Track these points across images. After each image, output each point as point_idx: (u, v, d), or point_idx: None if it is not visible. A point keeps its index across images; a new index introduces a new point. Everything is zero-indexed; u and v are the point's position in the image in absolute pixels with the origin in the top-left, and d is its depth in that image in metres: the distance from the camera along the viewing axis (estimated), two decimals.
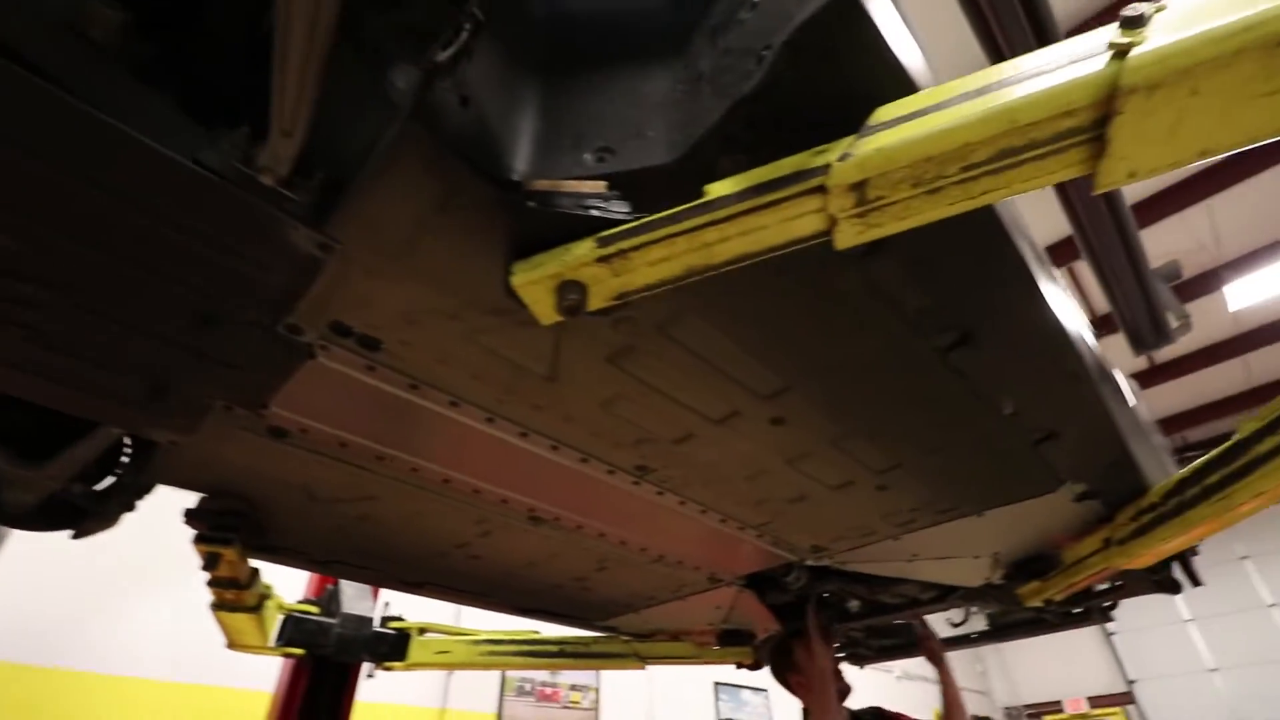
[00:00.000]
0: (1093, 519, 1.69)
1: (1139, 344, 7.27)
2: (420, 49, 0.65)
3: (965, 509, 1.59)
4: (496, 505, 1.52)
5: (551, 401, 1.14)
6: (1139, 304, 7.00)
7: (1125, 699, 11.03)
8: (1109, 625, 11.51)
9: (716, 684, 6.60)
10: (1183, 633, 10.81)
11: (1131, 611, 11.21)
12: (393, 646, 2.61)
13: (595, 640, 2.63)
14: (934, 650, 2.17)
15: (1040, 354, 1.09)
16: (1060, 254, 7.33)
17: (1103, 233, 6.33)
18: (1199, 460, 1.40)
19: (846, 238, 0.64)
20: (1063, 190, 5.69)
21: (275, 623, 2.33)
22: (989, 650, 12.76)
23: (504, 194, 0.73)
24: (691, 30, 0.81)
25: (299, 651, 2.40)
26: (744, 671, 2.89)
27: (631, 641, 2.59)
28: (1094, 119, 0.55)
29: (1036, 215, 6.61)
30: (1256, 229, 7.40)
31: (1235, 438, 1.32)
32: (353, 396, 1.13)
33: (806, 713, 2.18)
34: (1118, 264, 6.69)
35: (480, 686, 4.64)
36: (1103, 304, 7.51)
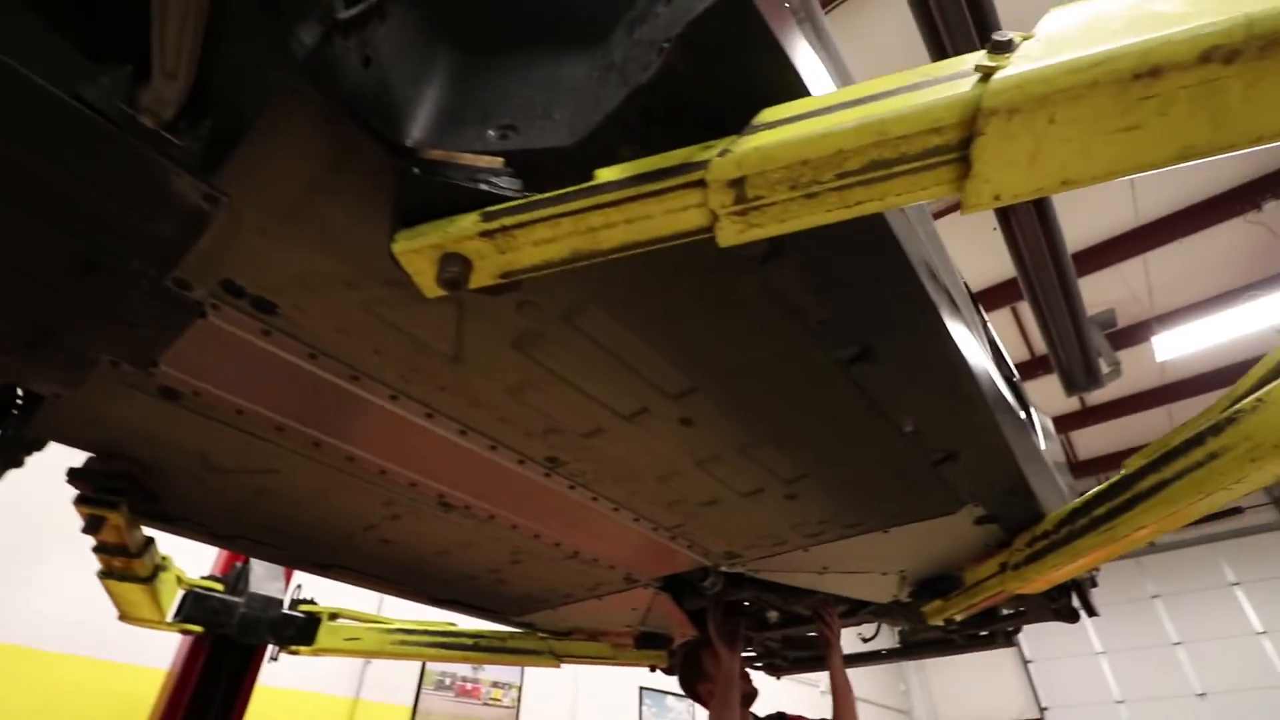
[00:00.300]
0: (993, 543, 1.75)
1: (1071, 385, 7.59)
2: (327, 4, 0.64)
3: (871, 524, 1.63)
4: (405, 488, 1.49)
5: (457, 383, 1.12)
6: (1074, 347, 7.32)
7: None
8: (1026, 653, 11.98)
9: (641, 689, 6.60)
10: (1094, 664, 11.31)
11: (1047, 641, 11.73)
12: (300, 630, 2.53)
13: (512, 636, 2.59)
14: (830, 636, 2.21)
15: (937, 376, 1.12)
16: (1004, 294, 7.62)
17: (1044, 276, 6.57)
18: (1090, 493, 1.47)
19: (728, 235, 0.65)
20: (1010, 232, 5.88)
21: (174, 597, 2.24)
22: (912, 671, 13.10)
23: (395, 159, 0.71)
24: (616, 21, 0.81)
25: (197, 629, 2.31)
26: (670, 678, 2.90)
27: (548, 639, 2.57)
28: (959, 139, 0.56)
29: (985, 254, 6.82)
30: (1187, 286, 7.82)
31: (1121, 474, 1.39)
32: (249, 362, 1.09)
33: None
34: (1056, 308, 6.98)
35: (397, 679, 4.53)
36: (1042, 345, 7.84)
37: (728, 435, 1.27)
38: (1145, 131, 0.55)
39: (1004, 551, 1.70)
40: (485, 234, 0.67)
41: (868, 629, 2.64)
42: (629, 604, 2.28)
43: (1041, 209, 5.48)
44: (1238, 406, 1.14)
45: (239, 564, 2.54)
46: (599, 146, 0.71)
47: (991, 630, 2.65)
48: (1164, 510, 1.27)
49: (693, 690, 2.24)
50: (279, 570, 2.62)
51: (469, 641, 2.56)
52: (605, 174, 0.65)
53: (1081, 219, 6.90)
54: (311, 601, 2.64)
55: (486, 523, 1.66)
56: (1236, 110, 0.53)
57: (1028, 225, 5.54)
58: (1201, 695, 10.19)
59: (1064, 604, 2.26)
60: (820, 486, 1.46)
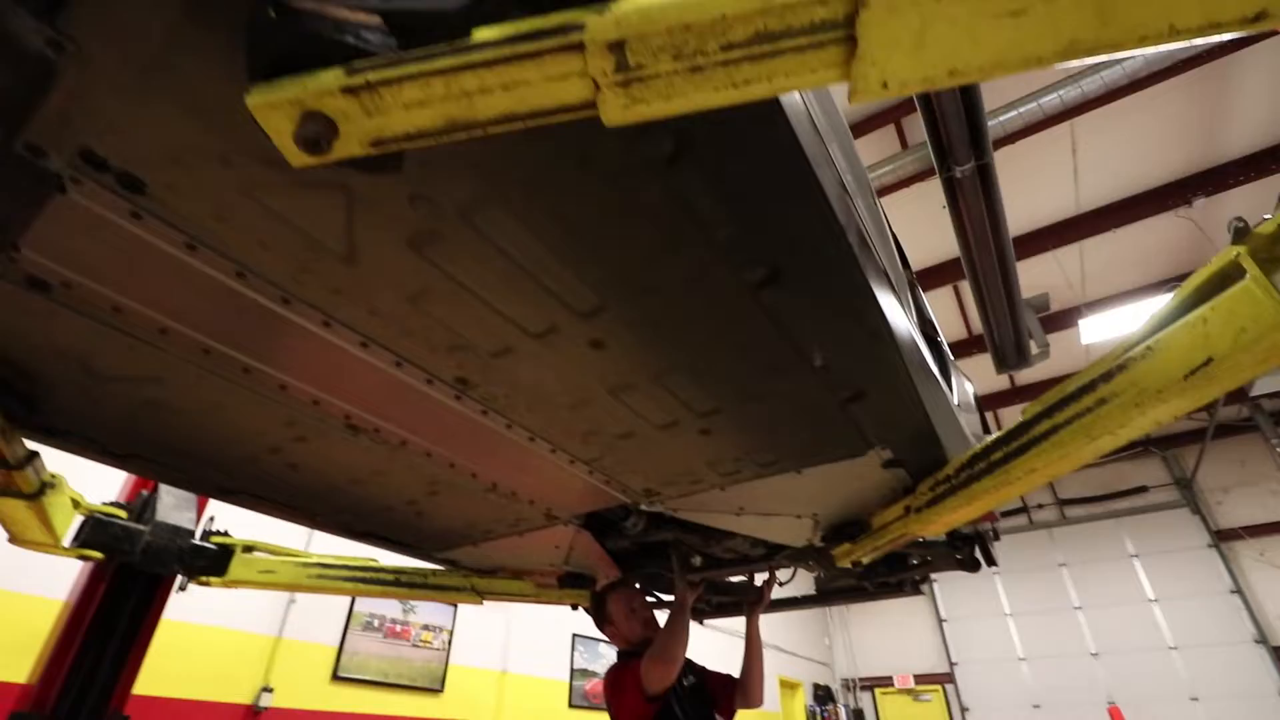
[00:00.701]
0: (899, 489, 1.81)
1: (1002, 363, 7.89)
2: None
3: (785, 464, 1.66)
4: (308, 407, 1.43)
5: (354, 287, 1.07)
6: (1007, 327, 7.58)
7: (946, 678, 12.28)
8: (941, 612, 12.74)
9: (575, 636, 6.75)
10: (1002, 625, 12.13)
11: (961, 602, 12.49)
12: (212, 561, 2.46)
13: (434, 573, 2.58)
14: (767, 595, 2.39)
15: (845, 307, 1.13)
16: (947, 273, 7.84)
17: (985, 256, 6.72)
18: (989, 439, 1.52)
19: (612, 111, 0.61)
20: (956, 209, 5.95)
21: (69, 521, 2.12)
22: (836, 627, 13.81)
23: (257, 5, 0.64)
24: None
25: (97, 555, 2.20)
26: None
27: (471, 576, 2.57)
28: (845, 13, 0.54)
29: (932, 231, 6.94)
30: (1117, 275, 8.20)
31: (1019, 420, 1.44)
32: (122, 250, 1.01)
33: (620, 655, 2.26)
34: (994, 287, 7.18)
35: (323, 618, 4.48)
36: (978, 325, 8.11)
37: (640, 362, 1.25)
38: (1031, 19, 0.53)
39: (908, 497, 1.76)
40: (349, 90, 0.61)
41: (784, 573, 2.73)
42: (551, 542, 2.29)
43: (988, 187, 5.57)
44: (1129, 354, 1.19)
45: (145, 492, 2.43)
46: (487, 11, 0.66)
47: (900, 579, 2.78)
48: (1055, 454, 1.32)
49: (601, 628, 2.32)
50: (190, 501, 2.53)
51: (390, 577, 2.53)
52: (481, 33, 0.61)
53: (1025, 203, 7.09)
54: (225, 534, 2.56)
55: (399, 449, 1.62)
56: (1121, 3, 0.52)
57: (974, 203, 5.65)
58: (1095, 654, 11.07)
59: (967, 554, 2.37)
60: (734, 423, 1.47)
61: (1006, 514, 12.75)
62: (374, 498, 1.92)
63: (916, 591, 2.85)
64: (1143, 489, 11.74)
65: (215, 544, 2.48)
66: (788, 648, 11.73)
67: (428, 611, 5.26)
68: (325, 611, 4.53)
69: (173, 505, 2.47)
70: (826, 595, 3.01)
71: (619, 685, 2.16)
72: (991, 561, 2.38)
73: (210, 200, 0.91)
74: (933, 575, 14.16)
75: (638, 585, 3.00)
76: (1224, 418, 10.51)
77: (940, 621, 12.79)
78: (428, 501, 1.95)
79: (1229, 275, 1.01)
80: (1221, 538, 10.77)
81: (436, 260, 1.01)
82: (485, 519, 2.08)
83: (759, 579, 2.81)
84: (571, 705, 6.34)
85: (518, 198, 0.91)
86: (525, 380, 1.32)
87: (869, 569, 2.74)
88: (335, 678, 4.40)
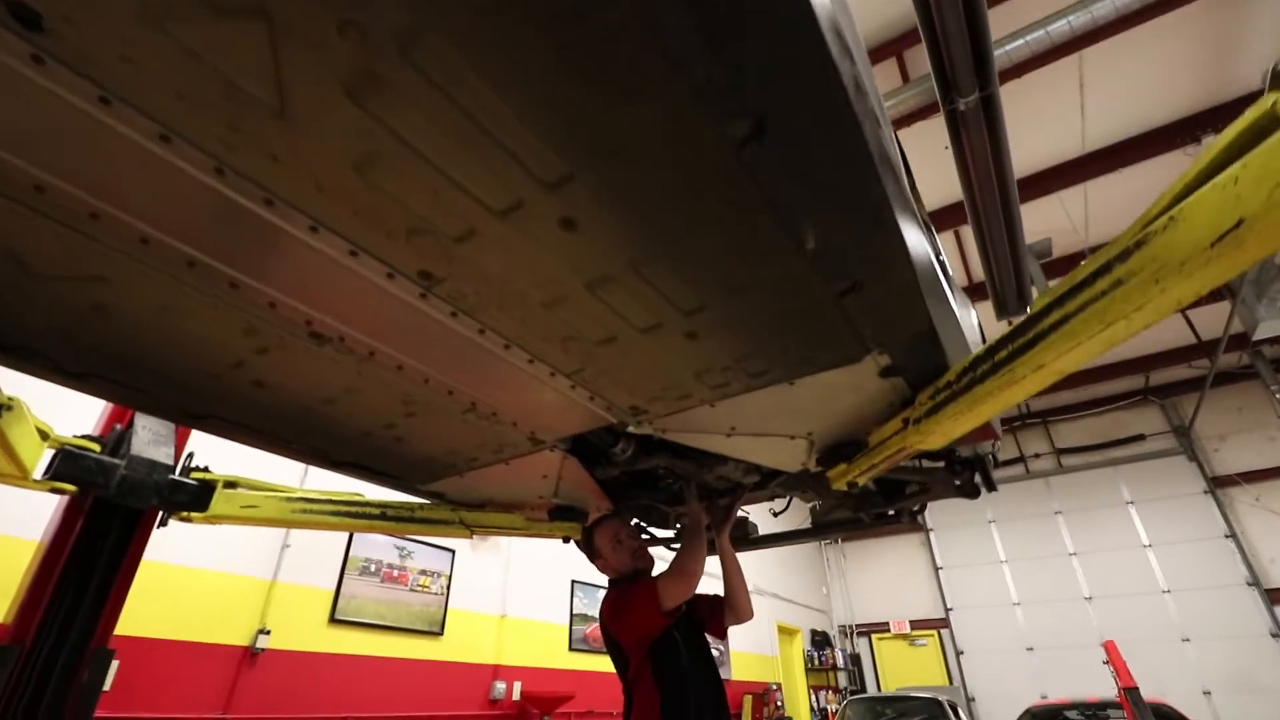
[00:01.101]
0: (898, 402, 1.73)
1: (1003, 309, 7.76)
2: None
3: (776, 374, 1.58)
4: (264, 310, 1.33)
5: (292, 152, 0.96)
6: (1009, 271, 7.41)
7: (941, 624, 12.54)
8: (937, 560, 12.94)
9: (574, 582, 6.82)
10: (998, 571, 12.32)
11: (957, 549, 12.67)
12: (193, 497, 2.40)
13: (420, 506, 2.53)
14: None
15: (838, 171, 1.02)
16: (950, 217, 7.66)
17: (988, 197, 6.52)
18: (994, 339, 1.43)
19: None
20: (960, 148, 5.75)
21: (38, 453, 2.06)
22: (834, 576, 14.06)
23: None
24: None
25: (69, 487, 2.14)
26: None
27: (458, 509, 2.52)
28: None
29: (935, 173, 6.75)
30: (1122, 218, 8.02)
31: (1027, 314, 1.35)
32: (31, 110, 0.90)
33: (611, 583, 2.23)
34: (996, 230, 6.99)
35: (318, 563, 4.49)
36: (979, 271, 7.97)
37: (615, 245, 1.16)
38: None
39: (907, 409, 1.69)
40: None
41: (779, 503, 2.69)
42: (539, 470, 2.22)
43: (992, 120, 5.36)
44: (1148, 229, 1.09)
45: (119, 426, 2.36)
46: None
47: (897, 509, 2.73)
48: (1064, 345, 1.23)
49: (592, 561, 2.30)
50: (167, 437, 2.46)
51: (375, 511, 2.48)
52: None
53: (1030, 143, 6.88)
54: (206, 469, 2.50)
55: (367, 362, 1.53)
56: None
57: (977, 138, 5.45)
58: (1088, 598, 11.27)
59: (966, 479, 2.31)
60: (721, 322, 1.38)
61: (1003, 464, 12.83)
62: (349, 420, 1.85)
63: (914, 522, 2.80)
64: (1140, 437, 11.77)
65: (196, 479, 2.42)
66: (786, 595, 11.95)
67: (425, 556, 5.28)
68: (320, 556, 4.53)
69: (149, 440, 2.41)
70: (822, 528, 2.97)
71: (624, 604, 2.15)
72: (991, 486, 2.33)
73: (113, 35, 0.80)
74: (930, 525, 14.24)
75: (634, 521, 2.96)
76: (1223, 365, 10.46)
77: (936, 569, 13.00)
78: (406, 425, 1.87)
79: (1264, 128, 0.90)
80: (1217, 484, 10.84)
81: (380, 114, 0.90)
82: (468, 445, 2.01)
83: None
84: (572, 648, 6.45)
85: (461, 28, 0.79)
86: (494, 271, 1.22)
87: (864, 499, 2.70)
88: (333, 620, 4.43)
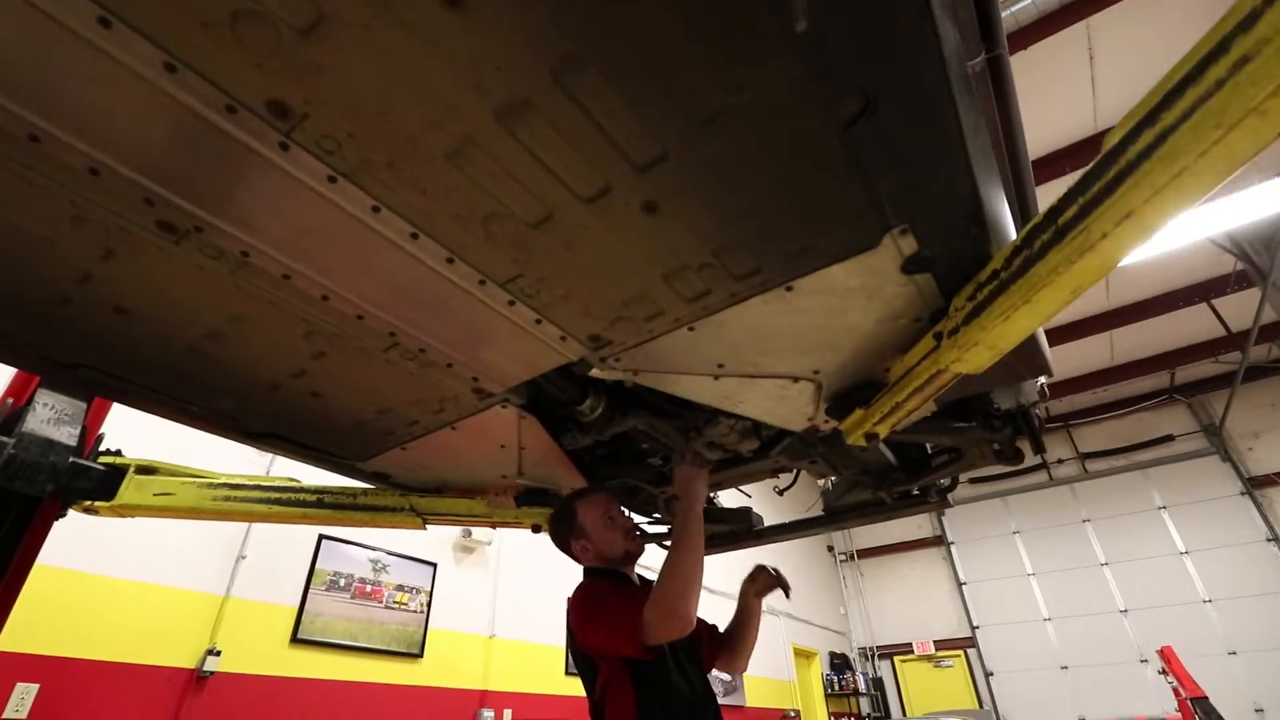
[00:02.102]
0: (927, 315, 1.37)
1: None
2: None
3: (768, 273, 1.23)
4: (85, 181, 1.00)
5: None
6: None
7: (968, 643, 11.88)
8: (960, 576, 12.32)
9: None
10: (1025, 585, 11.70)
11: (981, 564, 12.09)
12: (97, 484, 2.06)
13: (364, 492, 2.17)
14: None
15: None
16: None
17: (1001, 175, 6.08)
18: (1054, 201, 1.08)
19: None
20: None
21: None
22: (852, 595, 13.43)
23: None
24: None
25: None
26: None
27: (409, 494, 2.15)
28: None
29: None
30: None
31: (1102, 153, 1.00)
32: None
33: (588, 572, 1.83)
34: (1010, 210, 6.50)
35: (279, 577, 4.07)
36: None
37: (527, 44, 0.82)
38: None
39: (939, 322, 1.33)
40: None
41: (785, 478, 2.31)
42: (495, 438, 1.86)
43: (1001, 85, 5.06)
44: None
45: (11, 400, 2.03)
46: None
47: (923, 485, 2.35)
48: (1164, 174, 0.88)
49: (565, 545, 1.86)
50: (74, 415, 2.12)
51: (311, 498, 2.13)
52: None
53: (1040, 122, 6.57)
54: (119, 453, 2.16)
55: (243, 268, 1.20)
56: None
57: (985, 106, 5.15)
58: (1124, 611, 10.63)
59: (1006, 438, 1.94)
60: (688, 183, 1.03)
61: (1024, 470, 12.28)
62: (248, 367, 1.51)
63: (943, 501, 2.41)
64: (1169, 438, 11.23)
65: (103, 464, 2.08)
66: (801, 615, 11.36)
67: (402, 571, 4.84)
68: (282, 570, 4.11)
69: (49, 418, 2.07)
70: (837, 514, 2.57)
71: (601, 611, 1.64)
72: (1039, 446, 1.95)
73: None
74: (951, 539, 13.70)
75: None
76: (1252, 359, 9.98)
77: (959, 585, 12.37)
78: (318, 372, 1.53)
79: None
80: (1254, 485, 10.26)
81: None
82: (401, 401, 1.66)
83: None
84: (568, 673, 5.94)
85: None
86: (366, 91, 0.88)
87: (884, 476, 2.31)
88: (295, 640, 4.00)
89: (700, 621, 1.87)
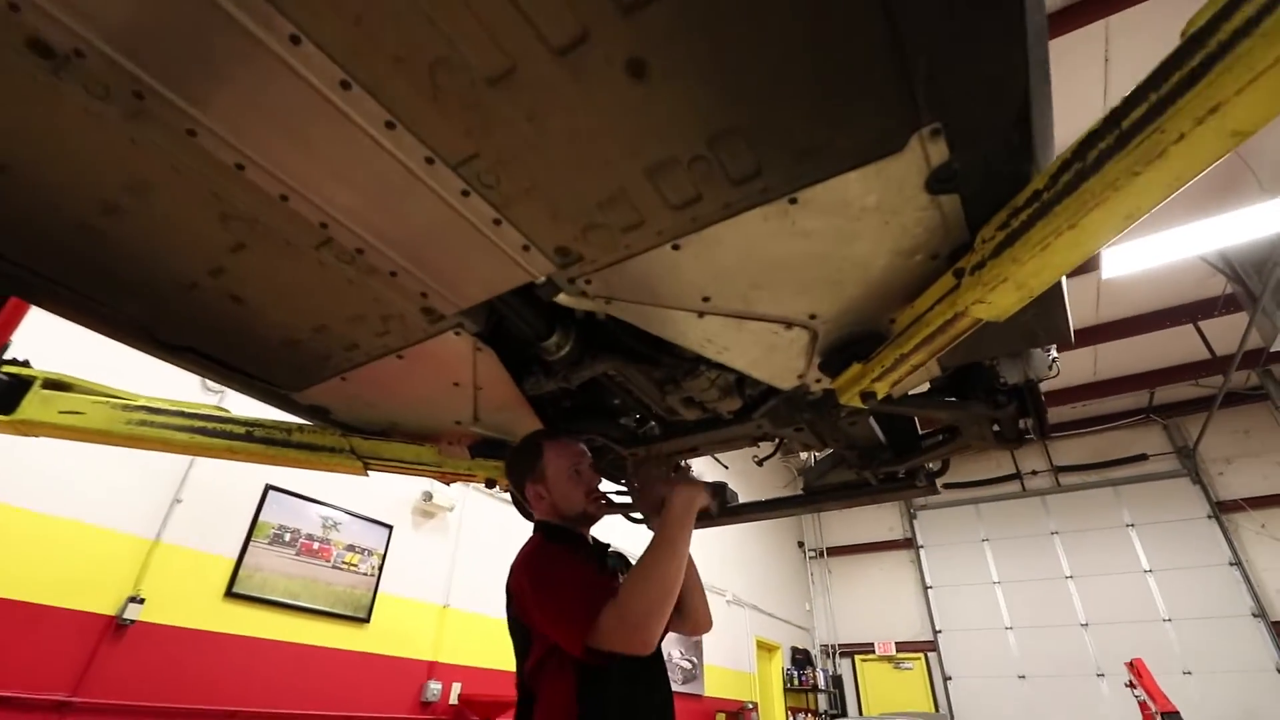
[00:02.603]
0: (945, 253, 1.19)
1: None
2: None
3: (770, 178, 1.04)
4: None
5: None
6: None
7: (929, 646, 11.91)
8: (927, 579, 12.35)
9: None
10: (990, 593, 11.74)
11: (948, 569, 12.11)
12: None
13: (300, 428, 1.95)
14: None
15: None
16: None
17: None
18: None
19: None
20: None
21: None
22: (818, 591, 13.42)
23: None
24: None
25: None
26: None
27: (350, 435, 1.94)
28: None
29: None
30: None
31: (1182, 39, 0.82)
32: None
33: (542, 527, 1.64)
34: None
35: (218, 525, 3.81)
36: None
37: None
38: None
39: (962, 258, 1.15)
40: None
41: (765, 448, 2.13)
42: (447, 373, 1.66)
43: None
44: None
45: None
46: None
47: (910, 467, 2.19)
48: (1264, 56, 0.70)
49: (519, 485, 1.67)
50: None
51: (240, 430, 1.91)
52: None
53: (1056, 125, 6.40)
54: (26, 363, 1.93)
55: (140, 116, 0.98)
56: None
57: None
58: (1085, 625, 10.70)
59: (1009, 417, 1.78)
60: (683, 34, 0.84)
61: (997, 480, 12.31)
62: (153, 254, 1.29)
63: (930, 486, 2.25)
64: (1142, 457, 11.28)
65: (5, 374, 1.85)
66: (767, 608, 11.30)
67: (355, 530, 4.61)
68: (222, 518, 3.86)
69: None
70: (816, 494, 2.40)
71: (547, 586, 1.37)
72: (1044, 429, 1.79)
73: None
74: (921, 542, 13.72)
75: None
76: (1231, 385, 10.03)
77: (925, 588, 12.39)
78: (240, 270, 1.32)
79: None
80: (1222, 509, 10.34)
81: None
82: (337, 316, 1.45)
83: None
84: None
85: None
86: None
87: (870, 455, 2.15)
88: (230, 594, 3.76)
89: None
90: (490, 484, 2.04)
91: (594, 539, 1.69)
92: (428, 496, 5.24)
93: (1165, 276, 8.00)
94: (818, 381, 1.62)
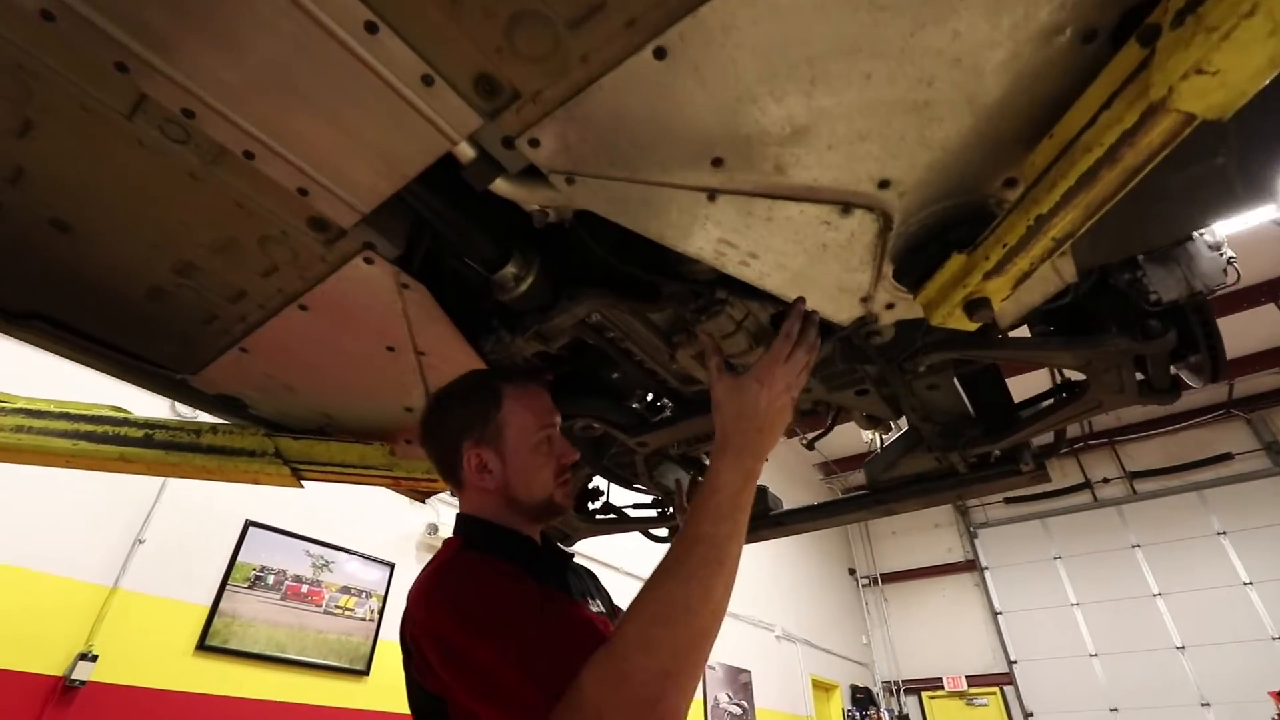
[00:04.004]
0: (1105, 38, 0.72)
1: None
2: None
3: None
4: None
5: None
6: None
7: (1004, 679, 10.84)
8: (995, 605, 11.32)
9: None
10: (1069, 616, 10.67)
11: (1018, 592, 11.09)
12: None
13: (213, 429, 1.53)
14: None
15: None
16: None
17: None
18: None
19: None
20: None
21: None
22: (875, 623, 12.44)
23: None
24: None
25: None
26: None
27: (276, 435, 1.51)
28: None
29: None
30: None
31: None
32: None
33: (466, 527, 1.11)
34: None
35: (189, 568, 3.39)
36: None
37: None
38: None
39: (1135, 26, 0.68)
40: None
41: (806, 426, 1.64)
42: (372, 328, 1.22)
43: None
44: None
45: None
46: None
47: (1011, 447, 1.68)
48: None
49: (453, 445, 1.05)
50: None
51: (137, 434, 1.49)
52: None
53: None
54: None
55: None
56: None
57: None
58: (1181, 648, 9.59)
59: (1160, 349, 1.28)
60: None
61: (1063, 491, 11.31)
62: None
63: (1039, 471, 1.72)
64: (1227, 456, 10.23)
65: None
66: (820, 643, 10.44)
67: (351, 569, 4.11)
68: (193, 560, 3.46)
69: None
70: (887, 490, 1.89)
71: (485, 629, 0.81)
72: (1219, 367, 1.27)
73: None
74: (985, 563, 12.73)
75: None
76: None
77: (995, 614, 11.34)
78: (40, 167, 0.91)
79: None
80: None
81: None
82: (196, 239, 1.03)
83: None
84: None
85: None
86: None
87: (954, 431, 1.64)
88: (202, 647, 3.30)
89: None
90: (454, 492, 1.58)
91: (554, 544, 1.20)
92: (433, 530, 4.74)
93: (1238, 249, 7.24)
94: (889, 308, 1.14)
